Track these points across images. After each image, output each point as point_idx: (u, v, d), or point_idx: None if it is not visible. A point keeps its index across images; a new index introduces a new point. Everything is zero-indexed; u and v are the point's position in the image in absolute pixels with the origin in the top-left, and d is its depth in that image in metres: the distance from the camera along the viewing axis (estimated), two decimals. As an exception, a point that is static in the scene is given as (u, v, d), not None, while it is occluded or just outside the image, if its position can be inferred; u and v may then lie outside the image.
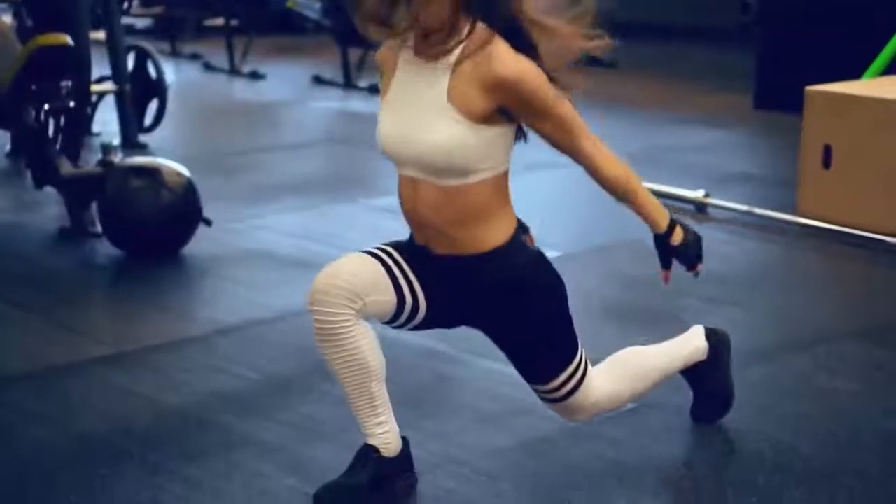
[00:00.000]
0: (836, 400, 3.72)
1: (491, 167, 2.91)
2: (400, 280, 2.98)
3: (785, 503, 3.09)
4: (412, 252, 3.04)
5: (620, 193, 3.06)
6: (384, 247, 3.04)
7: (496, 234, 2.98)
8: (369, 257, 2.98)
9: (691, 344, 3.47)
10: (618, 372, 3.30)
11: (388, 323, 3.04)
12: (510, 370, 3.89)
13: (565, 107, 2.94)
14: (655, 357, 3.39)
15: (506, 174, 2.98)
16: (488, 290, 3.01)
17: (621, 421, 3.56)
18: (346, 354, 2.95)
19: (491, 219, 2.97)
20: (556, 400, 3.17)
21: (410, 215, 3.01)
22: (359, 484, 3.03)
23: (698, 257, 3.19)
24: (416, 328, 3.09)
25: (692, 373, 3.51)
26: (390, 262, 2.99)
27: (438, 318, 3.07)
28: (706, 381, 3.51)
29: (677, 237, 3.14)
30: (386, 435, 3.06)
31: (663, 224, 3.13)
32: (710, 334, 3.52)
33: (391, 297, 2.96)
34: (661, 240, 3.15)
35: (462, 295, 3.02)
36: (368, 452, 3.05)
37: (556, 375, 3.11)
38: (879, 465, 3.29)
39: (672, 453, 3.39)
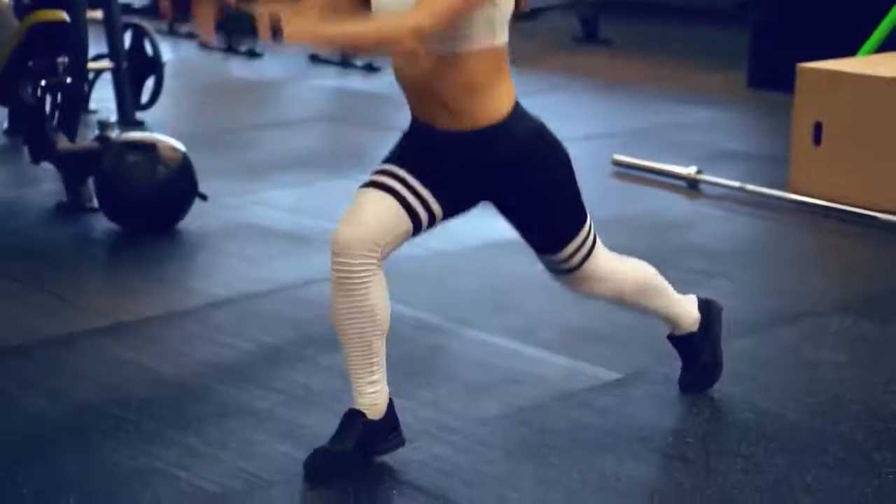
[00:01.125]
0: (821, 370, 3.78)
1: (486, 36, 2.95)
2: (413, 204, 3.05)
3: (769, 470, 3.15)
4: (415, 145, 3.09)
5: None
6: (390, 168, 3.07)
7: (498, 107, 3.03)
8: (382, 194, 3.03)
9: (685, 305, 3.54)
10: (629, 265, 3.41)
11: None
12: (501, 342, 3.98)
13: None
14: (660, 286, 3.47)
15: (504, 49, 3.02)
16: (496, 164, 3.07)
17: (609, 390, 3.62)
18: (356, 304, 3.02)
19: (491, 91, 3.02)
20: (568, 270, 3.26)
21: (410, 88, 3.05)
22: (345, 450, 3.09)
23: None
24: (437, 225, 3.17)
25: (682, 342, 3.57)
26: (400, 188, 3.04)
27: (454, 208, 3.15)
28: (696, 352, 3.57)
29: None
30: (375, 395, 3.11)
31: None
32: (704, 306, 3.58)
33: (408, 226, 3.06)
34: None
35: (470, 173, 3.09)
36: (354, 417, 3.11)
37: (568, 243, 3.21)
38: (863, 433, 3.35)
39: (658, 422, 3.45)
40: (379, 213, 3.03)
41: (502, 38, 3.01)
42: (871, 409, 3.49)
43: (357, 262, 2.99)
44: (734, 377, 3.72)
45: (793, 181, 5.65)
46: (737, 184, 5.68)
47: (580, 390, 3.61)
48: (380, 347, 3.09)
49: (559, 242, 3.21)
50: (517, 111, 3.08)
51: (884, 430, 3.36)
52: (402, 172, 3.07)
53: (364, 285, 3.01)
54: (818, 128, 5.57)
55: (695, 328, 3.55)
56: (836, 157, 5.51)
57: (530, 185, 3.12)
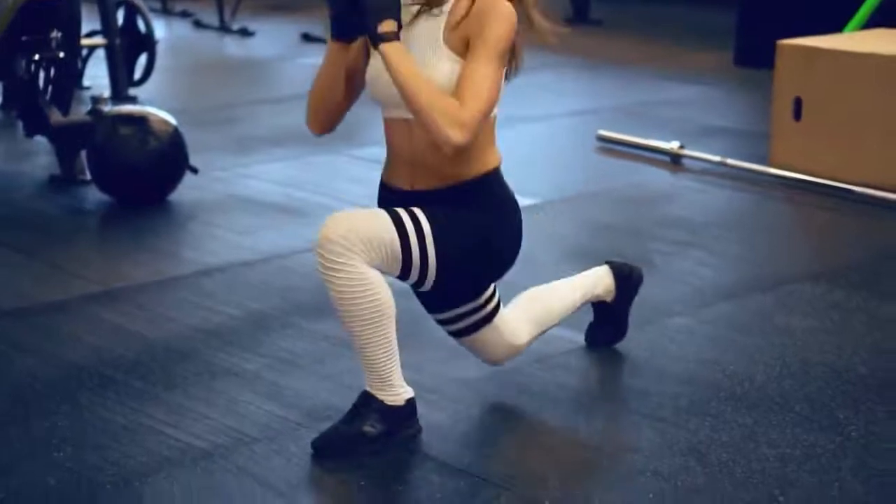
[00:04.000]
0: (792, 336, 3.89)
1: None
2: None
3: (736, 428, 3.26)
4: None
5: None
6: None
7: (480, 167, 3.11)
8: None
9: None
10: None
11: None
12: (482, 307, 4.07)
13: (493, 64, 2.97)
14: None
15: (495, 119, 3.13)
16: (450, 202, 3.09)
17: (585, 353, 3.73)
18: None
19: (481, 156, 3.11)
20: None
21: (403, 158, 3.12)
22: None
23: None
24: None
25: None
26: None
27: None
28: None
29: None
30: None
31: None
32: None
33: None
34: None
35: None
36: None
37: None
38: (828, 393, 3.47)
39: (632, 383, 3.57)
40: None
41: (496, 108, 3.09)
42: (837, 372, 3.60)
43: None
44: (708, 341, 3.84)
45: (773, 155, 5.76)
46: (718, 158, 5.79)
47: (557, 353, 3.71)
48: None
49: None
50: (499, 173, 3.16)
51: (849, 391, 3.47)
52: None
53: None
54: (798, 103, 5.68)
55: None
56: (815, 131, 5.62)
57: (468, 215, 3.09)
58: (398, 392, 3.12)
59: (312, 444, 3.11)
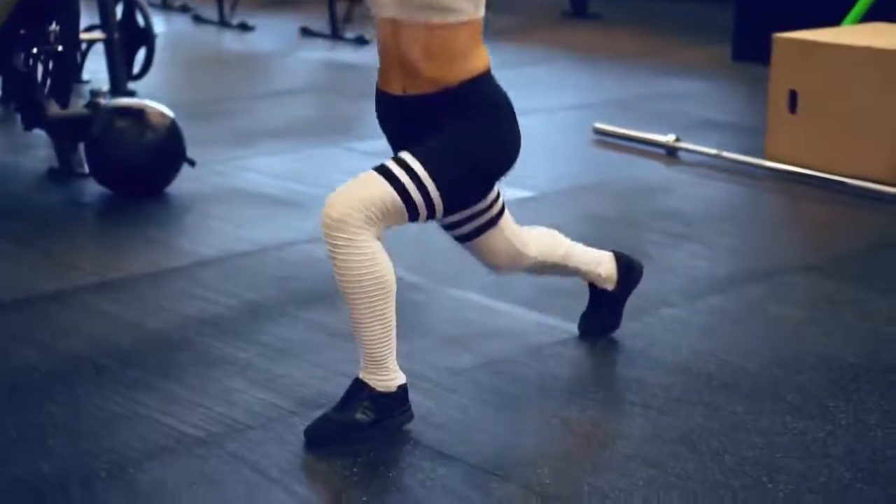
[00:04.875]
0: (784, 326, 3.92)
1: (471, 9, 3.07)
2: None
3: (727, 416, 3.28)
4: (389, 126, 3.22)
5: None
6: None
7: (471, 69, 3.12)
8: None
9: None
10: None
11: None
12: (477, 298, 4.11)
13: None
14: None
15: (481, 21, 3.13)
16: (449, 111, 3.11)
17: (578, 343, 3.75)
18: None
19: (468, 57, 3.12)
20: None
21: (391, 58, 3.14)
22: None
23: None
24: None
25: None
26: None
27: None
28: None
29: None
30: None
31: None
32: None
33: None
34: None
35: (427, 124, 3.13)
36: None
37: (433, 172, 3.10)
38: (818, 382, 3.49)
39: (625, 372, 3.59)
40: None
41: (482, 11, 3.13)
42: (827, 361, 3.62)
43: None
44: (702, 331, 3.86)
45: (768, 148, 5.78)
46: (713, 151, 5.81)
47: (551, 343, 3.74)
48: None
49: (430, 159, 3.11)
50: (489, 77, 3.18)
51: (839, 380, 3.49)
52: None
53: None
54: (793, 96, 5.70)
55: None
56: (810, 124, 5.64)
57: (457, 129, 3.11)
58: (391, 377, 3.14)
59: (305, 432, 3.14)
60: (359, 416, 3.12)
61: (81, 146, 5.42)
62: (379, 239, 3.08)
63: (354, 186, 3.05)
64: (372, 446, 3.10)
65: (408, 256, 4.48)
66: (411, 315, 3.93)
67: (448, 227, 3.41)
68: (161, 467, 3.00)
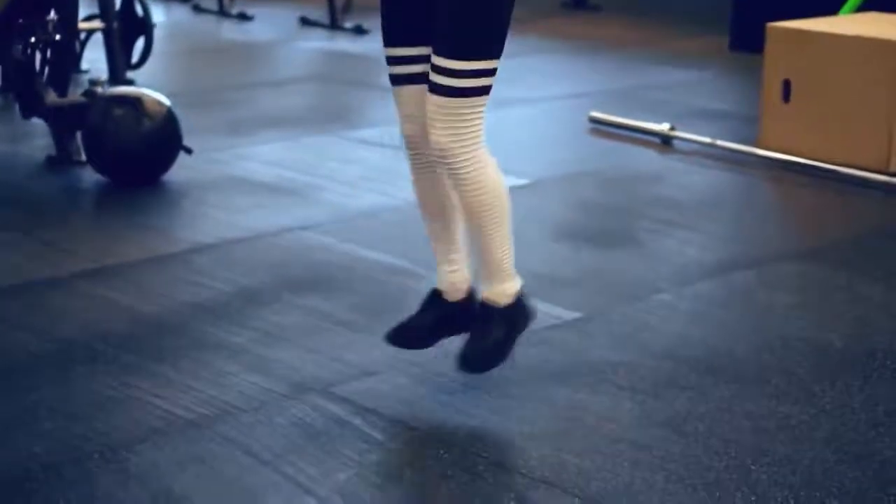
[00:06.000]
0: (773, 312, 3.95)
1: None
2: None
3: (713, 400, 3.32)
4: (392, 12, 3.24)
5: None
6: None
7: None
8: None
9: (511, 267, 3.34)
10: (498, 180, 3.25)
11: None
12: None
13: None
14: (506, 217, 3.30)
15: None
16: None
17: (568, 328, 3.79)
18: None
19: None
20: (450, 91, 3.13)
21: None
22: (423, 324, 3.39)
23: None
24: None
25: (487, 310, 3.36)
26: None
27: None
28: (495, 325, 3.35)
29: None
30: (454, 273, 3.38)
31: None
32: (523, 297, 3.39)
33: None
34: None
35: None
36: (434, 296, 3.41)
37: (469, 56, 3.11)
38: (806, 367, 3.53)
39: (613, 357, 3.62)
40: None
41: None
42: (814, 347, 3.66)
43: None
44: (690, 317, 3.89)
45: (762, 137, 5.81)
46: (708, 140, 5.84)
47: (541, 329, 3.77)
48: (457, 229, 3.37)
49: (464, 49, 3.11)
50: None
51: (825, 365, 3.53)
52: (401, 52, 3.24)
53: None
54: (787, 85, 5.73)
55: (507, 301, 3.34)
56: (804, 113, 5.67)
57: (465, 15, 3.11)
58: (514, 281, 3.34)
59: (466, 368, 3.34)
60: (497, 333, 3.33)
61: (79, 134, 5.45)
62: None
63: (442, 112, 3.14)
64: (362, 429, 3.14)
65: (395, 241, 4.54)
66: (399, 300, 3.96)
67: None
68: (153, 449, 3.05)
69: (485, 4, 3.15)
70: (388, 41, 3.28)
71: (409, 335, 3.42)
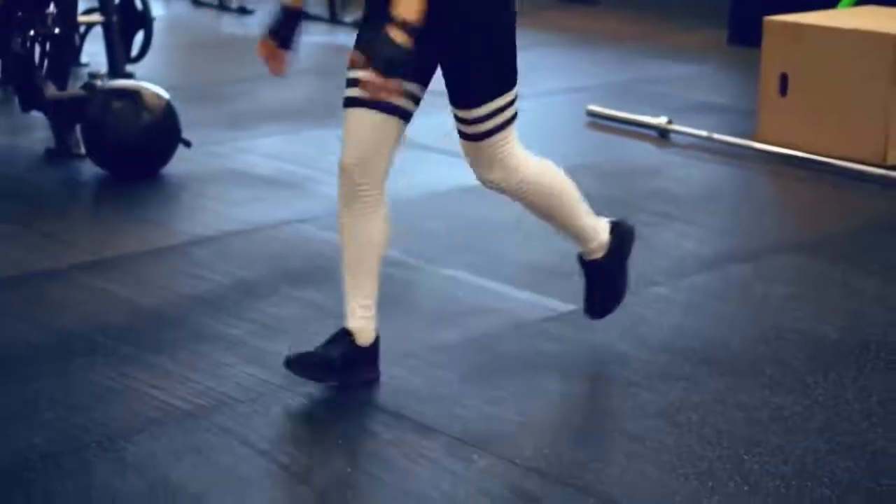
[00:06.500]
0: (769, 304, 3.97)
1: None
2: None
3: (707, 390, 3.35)
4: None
5: None
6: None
7: None
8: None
9: (596, 226, 3.57)
10: (548, 170, 3.44)
11: None
12: (465, 277, 4.16)
13: None
14: (573, 196, 3.50)
15: None
16: (450, 11, 3.13)
17: (563, 319, 3.81)
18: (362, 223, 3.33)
19: None
20: (477, 135, 3.26)
21: None
22: (329, 357, 3.29)
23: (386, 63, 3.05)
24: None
25: (591, 266, 3.60)
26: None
27: (426, 77, 3.28)
28: (604, 277, 3.61)
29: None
30: (365, 321, 3.33)
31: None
32: (615, 230, 3.62)
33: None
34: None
35: (429, 30, 3.08)
36: (344, 334, 3.32)
37: (486, 100, 3.22)
38: (800, 358, 3.55)
39: (608, 348, 3.65)
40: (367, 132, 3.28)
41: None
42: (808, 339, 3.68)
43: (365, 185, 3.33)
44: (686, 309, 3.92)
45: (759, 131, 5.83)
46: (705, 133, 5.86)
47: (536, 320, 3.80)
48: (375, 271, 3.39)
49: (478, 96, 3.21)
50: None
51: (819, 357, 3.56)
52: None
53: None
54: (784, 79, 5.74)
55: (601, 253, 3.57)
56: (801, 107, 5.69)
57: (470, 28, 3.16)
58: (601, 233, 3.56)
59: (596, 314, 3.65)
60: (613, 277, 3.60)
61: (78, 127, 5.47)
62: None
63: (480, 160, 3.34)
64: (358, 420, 3.16)
65: (391, 234, 4.54)
66: (399, 292, 3.99)
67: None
68: (150, 439, 3.07)
69: (490, 50, 3.21)
70: (353, 64, 3.26)
71: (311, 364, 3.30)
